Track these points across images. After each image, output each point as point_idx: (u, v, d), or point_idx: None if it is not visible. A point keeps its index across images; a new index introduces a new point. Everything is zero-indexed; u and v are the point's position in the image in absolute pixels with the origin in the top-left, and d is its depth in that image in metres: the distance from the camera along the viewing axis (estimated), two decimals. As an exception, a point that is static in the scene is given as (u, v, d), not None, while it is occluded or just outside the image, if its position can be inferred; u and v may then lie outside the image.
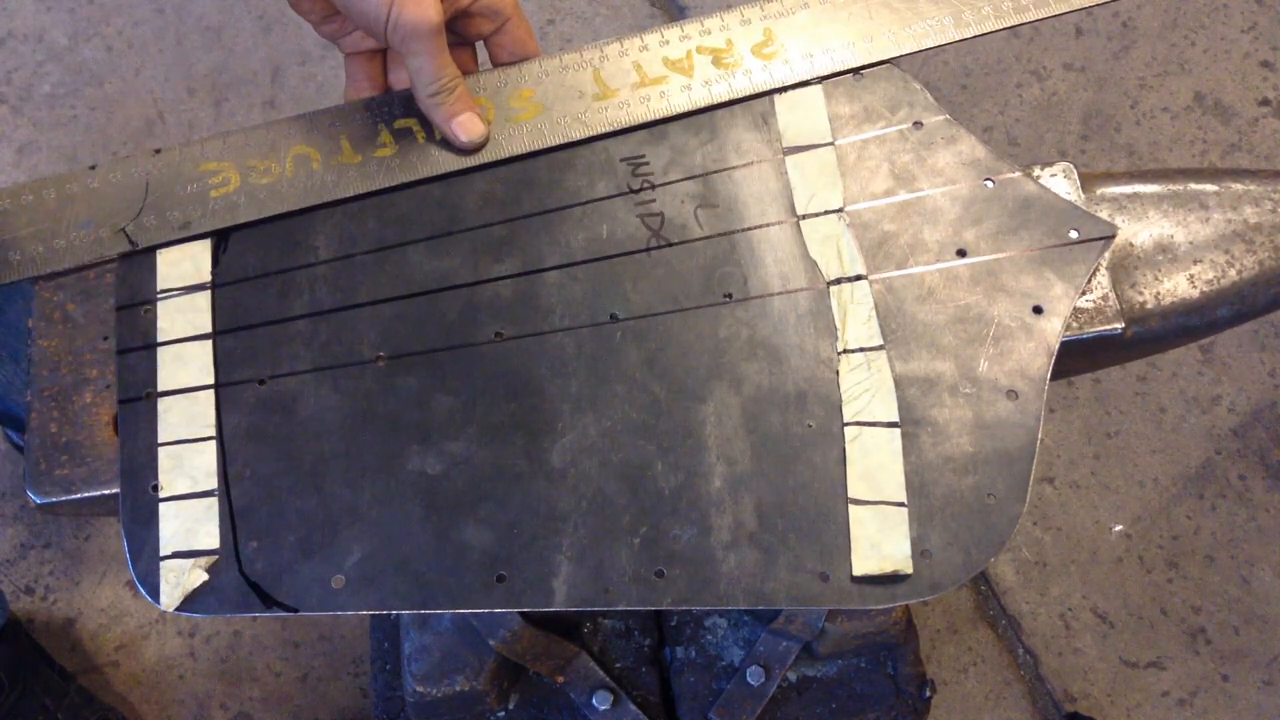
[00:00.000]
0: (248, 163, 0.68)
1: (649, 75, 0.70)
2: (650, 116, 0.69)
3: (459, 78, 0.67)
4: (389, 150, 0.68)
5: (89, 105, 1.60)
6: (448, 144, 0.68)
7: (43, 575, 1.37)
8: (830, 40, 0.71)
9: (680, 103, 0.69)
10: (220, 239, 0.68)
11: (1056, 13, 0.71)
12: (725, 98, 0.69)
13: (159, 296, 0.67)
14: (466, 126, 0.67)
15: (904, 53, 0.71)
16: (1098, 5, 0.73)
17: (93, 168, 0.69)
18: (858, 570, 0.60)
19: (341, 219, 0.68)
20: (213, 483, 0.62)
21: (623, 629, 0.91)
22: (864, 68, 0.71)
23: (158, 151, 0.69)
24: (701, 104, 0.69)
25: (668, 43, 0.71)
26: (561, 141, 0.69)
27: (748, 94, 0.70)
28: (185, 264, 0.67)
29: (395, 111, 0.69)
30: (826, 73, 0.70)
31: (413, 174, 0.68)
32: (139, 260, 0.68)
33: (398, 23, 0.63)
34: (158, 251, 0.68)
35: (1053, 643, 1.33)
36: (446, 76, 0.66)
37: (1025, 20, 0.71)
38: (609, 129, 0.69)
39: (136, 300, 0.67)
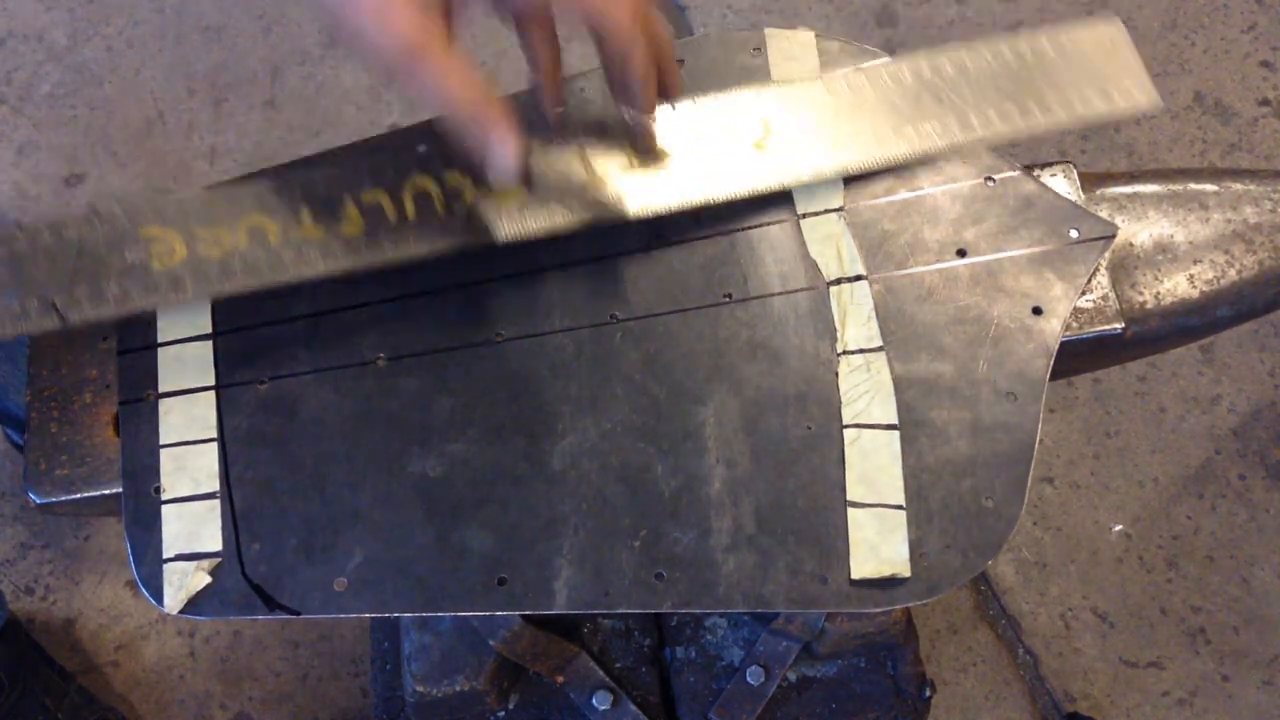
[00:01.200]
0: (195, 231, 0.61)
1: (640, 160, 0.65)
2: (642, 211, 0.64)
3: (475, 86, 0.54)
4: (354, 228, 0.61)
5: (89, 105, 1.60)
6: (419, 226, 0.61)
7: (43, 575, 1.37)
8: (830, 138, 0.67)
9: (670, 197, 0.64)
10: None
11: (1059, 123, 0.67)
12: (725, 197, 0.65)
13: (159, 297, 0.67)
14: (502, 154, 0.55)
15: (908, 154, 0.67)
16: (1110, 120, 0.69)
17: (20, 228, 0.61)
18: (856, 573, 0.60)
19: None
20: (215, 485, 0.62)
21: (623, 629, 0.91)
22: (867, 175, 0.67)
23: (94, 213, 0.62)
24: (697, 201, 0.65)
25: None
26: (544, 227, 0.62)
27: (747, 193, 0.66)
28: (185, 265, 0.67)
29: (363, 182, 0.63)
30: (828, 175, 0.67)
31: (379, 256, 0.61)
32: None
33: (377, 53, 0.52)
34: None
35: (1053, 643, 1.33)
36: (456, 92, 0.54)
37: (1035, 128, 0.67)
38: (594, 219, 0.64)
39: (136, 301, 0.67)
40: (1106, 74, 0.68)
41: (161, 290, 0.60)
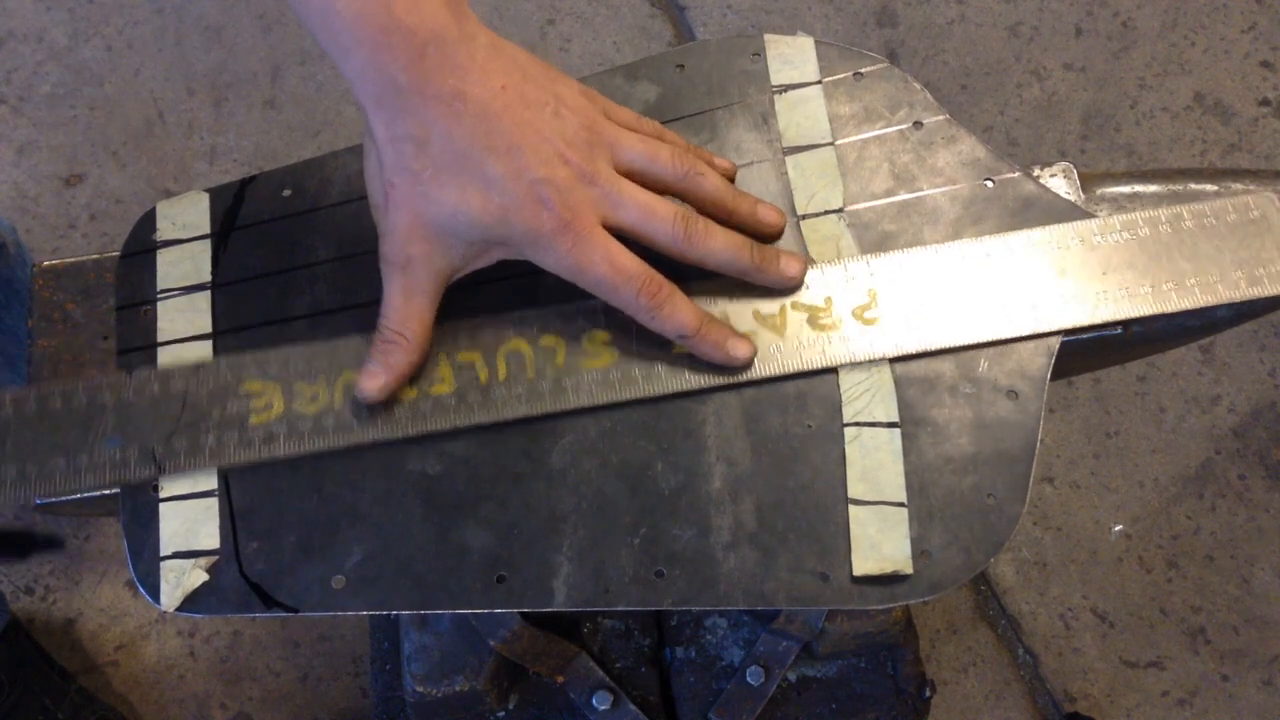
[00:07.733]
0: (295, 386, 0.62)
1: (737, 330, 0.63)
2: (730, 381, 0.63)
3: (398, 340, 0.60)
4: (446, 387, 0.62)
5: (89, 105, 1.60)
6: (509, 387, 0.62)
7: (43, 575, 1.37)
8: (937, 309, 0.64)
9: (768, 367, 0.63)
10: (220, 239, 0.68)
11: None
12: (819, 365, 0.63)
13: (159, 296, 0.67)
14: (366, 386, 0.60)
15: (1017, 335, 0.64)
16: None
17: (129, 374, 0.63)
18: (858, 571, 0.60)
19: (342, 218, 0.68)
20: (213, 483, 0.62)
21: (623, 629, 0.90)
22: (964, 349, 0.64)
23: (200, 366, 0.63)
24: (792, 369, 0.63)
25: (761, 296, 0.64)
26: (629, 398, 0.62)
27: (845, 363, 0.63)
28: (185, 264, 0.67)
29: (460, 343, 0.63)
30: (932, 349, 0.63)
31: (468, 418, 0.61)
32: (139, 260, 0.68)
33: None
34: (157, 251, 0.68)
35: (1053, 643, 1.33)
36: (387, 322, 0.60)
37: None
38: (684, 389, 0.62)
39: (136, 300, 0.67)
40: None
41: (255, 446, 0.61)
